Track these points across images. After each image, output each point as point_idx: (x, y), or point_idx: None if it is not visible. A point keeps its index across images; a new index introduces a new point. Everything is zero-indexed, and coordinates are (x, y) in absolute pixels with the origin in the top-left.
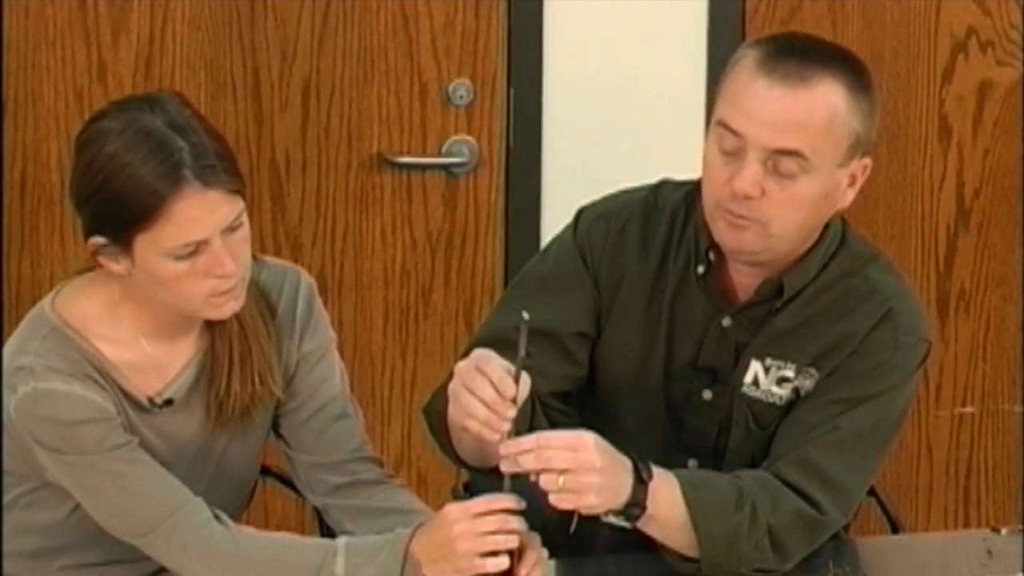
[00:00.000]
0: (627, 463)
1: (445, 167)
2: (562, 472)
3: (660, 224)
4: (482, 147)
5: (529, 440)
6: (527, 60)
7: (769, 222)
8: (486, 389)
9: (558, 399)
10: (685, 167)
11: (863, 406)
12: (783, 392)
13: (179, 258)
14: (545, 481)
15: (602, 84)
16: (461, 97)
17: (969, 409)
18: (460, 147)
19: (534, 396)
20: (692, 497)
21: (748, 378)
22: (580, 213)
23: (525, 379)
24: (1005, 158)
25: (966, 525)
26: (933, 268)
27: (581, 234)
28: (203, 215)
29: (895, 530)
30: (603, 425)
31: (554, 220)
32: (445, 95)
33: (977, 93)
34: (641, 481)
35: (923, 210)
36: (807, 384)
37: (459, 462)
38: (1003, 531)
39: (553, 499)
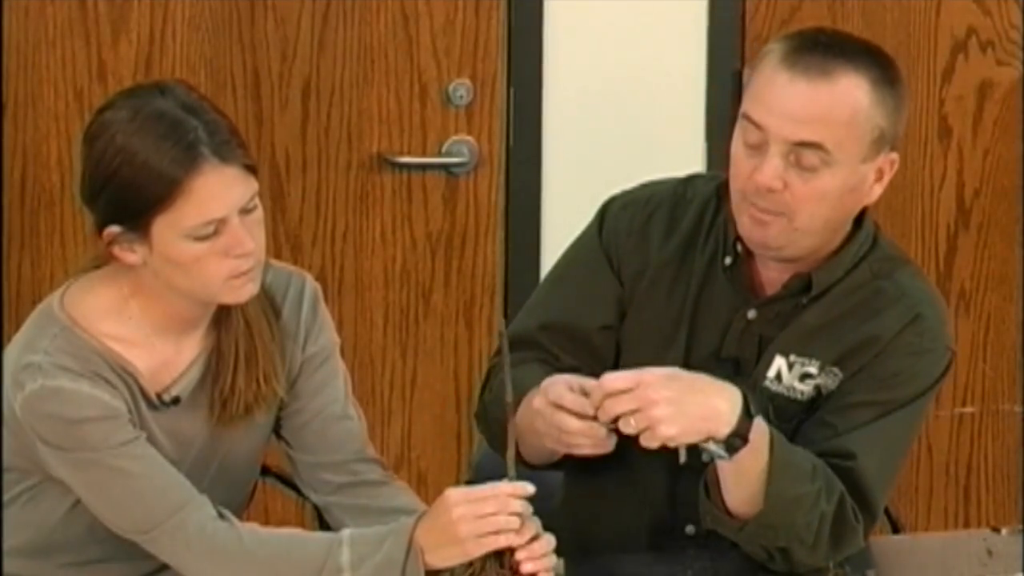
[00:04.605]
0: (731, 392)
1: (445, 167)
2: (632, 413)
3: (687, 215)
4: (482, 147)
5: (596, 392)
6: (527, 60)
7: (793, 215)
8: (571, 422)
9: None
10: (685, 167)
11: (893, 415)
12: (805, 388)
13: (199, 239)
14: (623, 426)
15: (602, 84)
16: (461, 97)
17: (969, 409)
18: (460, 147)
19: None
20: (778, 452)
21: (771, 372)
22: (608, 203)
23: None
24: (1005, 158)
25: (966, 525)
26: (933, 268)
27: (608, 224)
28: (222, 191)
29: (895, 530)
30: None
31: (554, 220)
32: (445, 95)
33: (977, 93)
34: (749, 415)
35: (923, 210)
36: (830, 383)
37: (521, 462)
38: (1003, 531)
39: (641, 441)
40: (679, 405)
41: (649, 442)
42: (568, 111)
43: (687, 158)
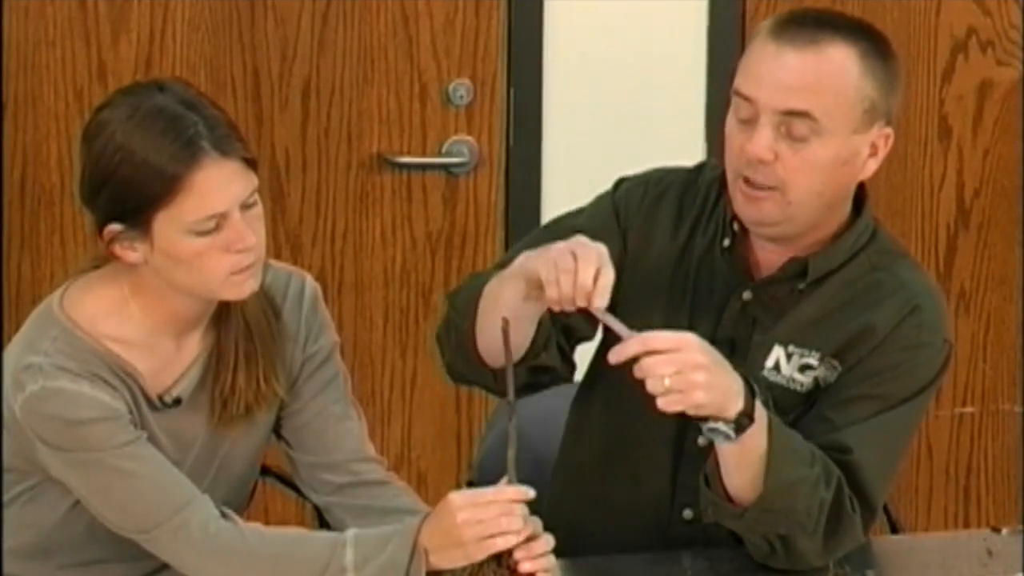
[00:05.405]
0: (735, 373)
1: (445, 167)
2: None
3: (695, 201)
4: (482, 147)
5: (633, 345)
6: (527, 60)
7: (786, 188)
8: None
9: (564, 338)
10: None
11: (892, 411)
12: (805, 380)
13: (200, 233)
14: (651, 385)
15: (602, 84)
16: (461, 97)
17: (969, 409)
18: (460, 147)
19: (553, 329)
20: (777, 435)
21: (769, 362)
22: (621, 179)
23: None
24: (1005, 158)
25: (966, 525)
26: (933, 268)
27: (619, 194)
28: (223, 185)
29: (895, 530)
30: (621, 394)
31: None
32: (445, 95)
33: (977, 93)
34: (752, 394)
35: (923, 210)
36: (829, 376)
37: (470, 364)
38: (1003, 531)
39: (661, 403)
40: (714, 375)
41: (673, 406)
42: (568, 111)
43: (687, 158)
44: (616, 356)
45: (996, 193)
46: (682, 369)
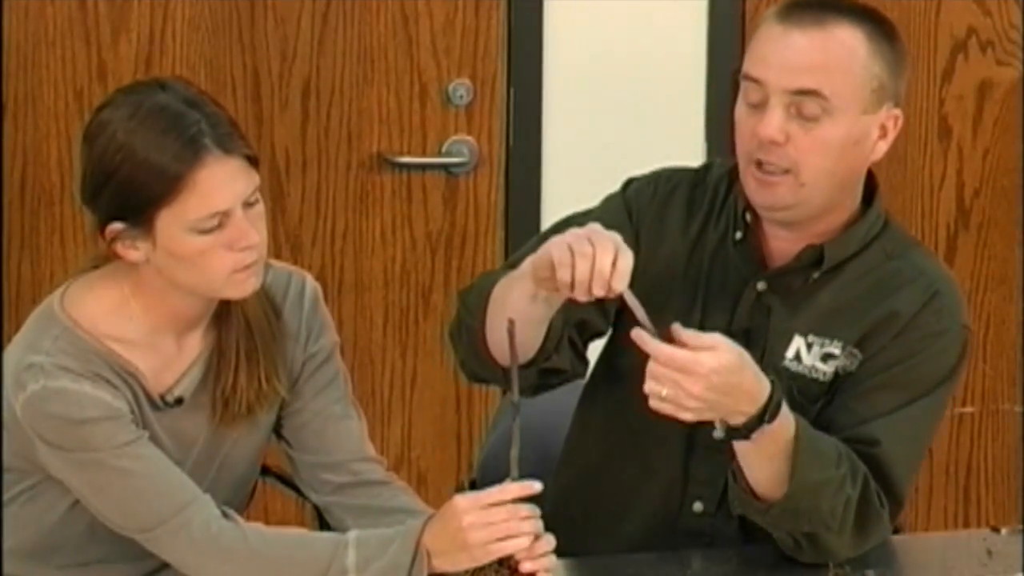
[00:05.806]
0: (761, 395)
1: (445, 167)
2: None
3: (705, 197)
4: (482, 147)
5: (651, 347)
6: (527, 60)
7: (798, 170)
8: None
9: (578, 334)
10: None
11: (918, 403)
12: (828, 369)
13: (203, 232)
14: (649, 388)
15: (602, 84)
16: (461, 97)
17: (969, 409)
18: (460, 147)
19: (565, 330)
20: (803, 438)
21: (790, 352)
22: (630, 180)
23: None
24: (1005, 158)
25: (966, 525)
26: None
27: (630, 193)
28: (226, 183)
29: (895, 530)
30: (633, 388)
31: (554, 220)
32: (445, 95)
33: (977, 93)
34: (762, 419)
35: (923, 210)
36: (850, 365)
37: (482, 363)
38: (1003, 531)
39: (653, 404)
40: (709, 404)
41: (662, 409)
42: (568, 111)
43: (687, 158)
44: (637, 339)
45: (996, 193)
46: (679, 394)
